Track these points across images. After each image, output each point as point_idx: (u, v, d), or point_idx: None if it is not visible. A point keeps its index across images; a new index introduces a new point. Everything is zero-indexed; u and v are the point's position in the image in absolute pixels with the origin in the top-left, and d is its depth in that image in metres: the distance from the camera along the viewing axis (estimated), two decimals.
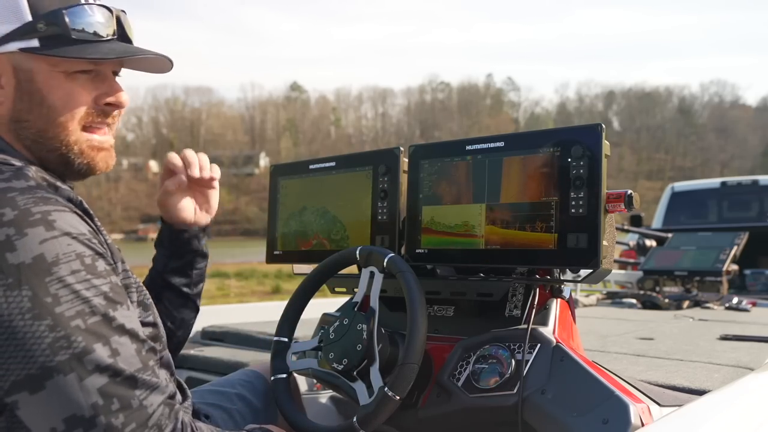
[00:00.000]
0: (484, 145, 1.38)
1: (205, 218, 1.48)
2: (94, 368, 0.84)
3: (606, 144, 1.24)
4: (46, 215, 0.88)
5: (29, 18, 0.99)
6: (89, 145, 1.06)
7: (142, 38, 1.11)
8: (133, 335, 0.90)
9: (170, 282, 1.41)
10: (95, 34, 1.02)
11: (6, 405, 0.85)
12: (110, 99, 1.07)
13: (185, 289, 1.43)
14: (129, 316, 0.92)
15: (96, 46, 1.03)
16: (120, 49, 1.05)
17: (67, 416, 0.83)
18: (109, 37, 1.04)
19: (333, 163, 1.69)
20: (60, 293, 0.85)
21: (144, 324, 1.03)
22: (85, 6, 1.02)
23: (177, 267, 1.42)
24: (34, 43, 0.99)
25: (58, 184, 0.98)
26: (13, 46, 0.99)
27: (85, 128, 1.05)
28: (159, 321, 1.12)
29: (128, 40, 1.09)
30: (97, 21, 1.03)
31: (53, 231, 0.87)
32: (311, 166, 1.73)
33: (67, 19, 1.00)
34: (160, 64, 1.14)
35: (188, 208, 1.43)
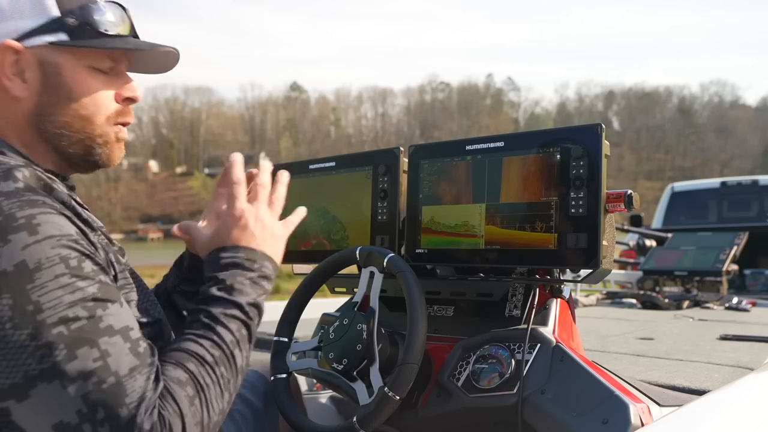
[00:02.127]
0: (484, 145, 1.39)
1: None
2: (77, 375, 0.82)
3: (606, 144, 1.24)
4: (30, 219, 0.86)
5: (57, 13, 1.02)
6: (116, 138, 1.09)
7: (142, 38, 1.12)
8: (124, 334, 0.87)
9: (174, 302, 1.35)
10: (116, 29, 1.06)
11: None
12: (129, 94, 1.09)
13: (185, 313, 1.33)
14: (121, 314, 0.89)
15: (123, 41, 1.07)
16: (144, 44, 1.09)
17: (54, 423, 0.82)
18: (127, 34, 1.08)
19: (333, 163, 1.69)
20: (41, 300, 0.83)
21: (145, 324, 1.02)
22: (105, 3, 1.06)
23: (187, 291, 1.34)
24: (63, 36, 1.02)
25: (54, 185, 0.97)
26: (42, 39, 1.01)
27: (113, 123, 1.08)
28: (163, 317, 1.11)
29: (137, 37, 1.12)
30: (117, 18, 1.07)
31: (36, 235, 0.85)
32: (311, 166, 1.73)
33: (95, 15, 1.04)
34: (166, 61, 1.16)
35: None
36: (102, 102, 1.06)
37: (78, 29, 1.02)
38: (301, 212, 1.27)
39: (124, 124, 1.10)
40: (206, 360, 0.93)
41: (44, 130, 1.04)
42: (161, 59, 1.14)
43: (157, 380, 0.87)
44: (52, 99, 1.03)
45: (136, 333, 0.89)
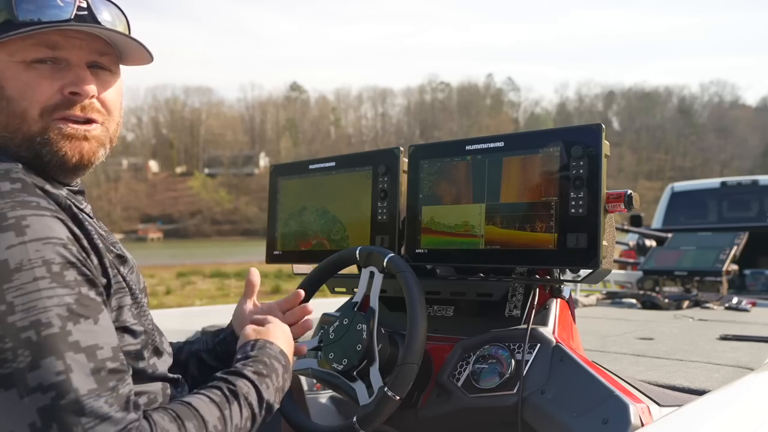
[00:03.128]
0: (484, 145, 1.38)
1: None
2: (36, 386, 0.78)
3: (606, 144, 1.24)
4: (20, 220, 0.84)
5: None
6: (57, 134, 0.99)
7: (142, 38, 1.09)
8: (90, 353, 0.82)
9: (186, 361, 1.33)
10: (49, 15, 0.98)
11: None
12: (73, 88, 1.00)
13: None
14: (93, 331, 0.84)
15: (43, 28, 0.98)
16: (70, 27, 1.00)
17: None
18: (68, 17, 1.00)
19: (333, 163, 1.69)
20: (16, 302, 0.80)
21: (131, 332, 0.98)
22: None
23: (210, 358, 1.32)
24: None
25: (47, 187, 0.95)
26: None
27: (55, 119, 1.00)
28: (154, 329, 1.08)
29: (91, 21, 1.03)
30: (51, 3, 0.99)
31: (23, 236, 0.83)
32: (311, 166, 1.73)
33: (13, 2, 0.98)
34: (139, 54, 1.10)
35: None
36: (36, 96, 0.98)
37: (2, 24, 0.97)
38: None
39: (76, 120, 1.01)
40: (207, 427, 0.91)
41: None
42: (133, 49, 1.07)
43: (126, 409, 0.83)
44: None
45: (105, 353, 0.85)
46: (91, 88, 1.01)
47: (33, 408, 0.78)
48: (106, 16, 1.04)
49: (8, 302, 0.80)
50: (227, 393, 0.96)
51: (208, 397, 0.94)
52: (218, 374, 1.01)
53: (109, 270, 0.96)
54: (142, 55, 1.10)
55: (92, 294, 0.88)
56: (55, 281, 0.83)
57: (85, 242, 0.93)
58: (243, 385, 0.98)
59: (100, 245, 0.96)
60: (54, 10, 0.99)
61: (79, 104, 1.01)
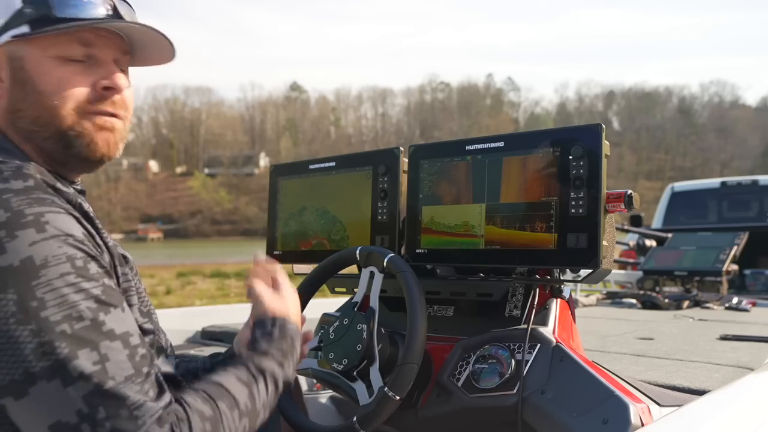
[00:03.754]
0: (484, 145, 1.38)
1: None
2: (78, 375, 0.81)
3: (606, 144, 1.24)
4: (38, 217, 0.86)
5: (19, 5, 1.00)
6: (91, 126, 1.03)
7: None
8: (124, 340, 0.86)
9: (195, 373, 1.31)
10: (86, 12, 1.01)
11: None
12: (106, 82, 1.03)
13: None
14: (123, 319, 0.88)
15: (89, 23, 1.01)
16: (111, 24, 1.03)
17: (52, 423, 0.81)
18: (103, 16, 1.02)
19: (333, 163, 1.69)
20: (46, 297, 0.82)
21: (142, 330, 1.00)
22: None
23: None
24: (25, 29, 0.99)
25: (58, 185, 0.97)
26: (7, 35, 0.99)
27: (87, 113, 1.03)
28: (159, 329, 1.10)
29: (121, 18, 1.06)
30: (87, 1, 1.01)
31: (44, 233, 0.85)
32: (311, 166, 1.73)
33: (54, 1, 1.00)
34: (161, 52, 1.12)
35: None
36: (70, 92, 1.00)
37: (39, 19, 0.99)
38: None
39: (106, 114, 1.04)
40: (239, 406, 0.93)
41: (20, 128, 1.02)
42: (156, 47, 1.10)
43: (161, 392, 0.87)
44: (20, 94, 1.01)
45: (135, 339, 0.88)
46: (124, 83, 1.05)
47: (78, 396, 0.81)
48: (127, 16, 1.07)
49: (39, 298, 0.82)
50: (254, 372, 0.99)
51: (236, 376, 0.97)
52: (243, 354, 1.04)
53: (118, 269, 0.99)
54: (156, 55, 1.13)
55: (113, 284, 0.91)
56: (81, 275, 0.86)
57: (98, 239, 0.95)
58: (268, 365, 1.01)
59: (110, 243, 0.99)
60: (91, 8, 1.01)
61: (110, 99, 1.04)
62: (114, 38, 1.05)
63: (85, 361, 0.82)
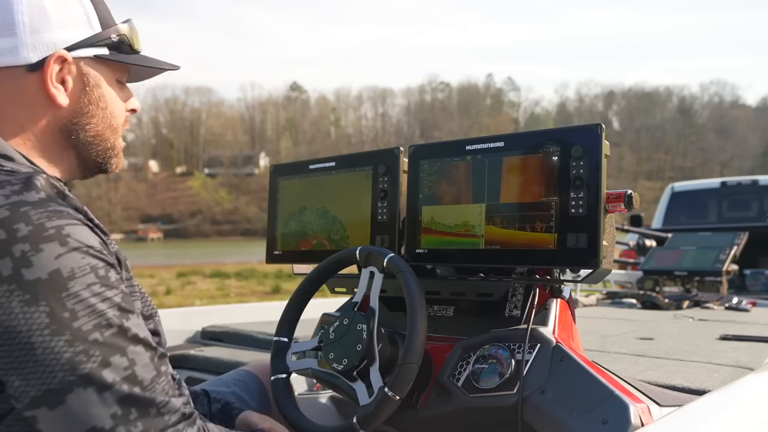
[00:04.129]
0: (484, 145, 1.38)
1: None
2: (112, 380, 0.86)
3: (606, 144, 1.24)
4: (59, 230, 0.89)
5: (99, 28, 1.08)
6: (120, 146, 1.16)
7: (143, 38, 1.15)
8: (146, 343, 0.92)
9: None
10: (138, 45, 1.15)
11: (9, 412, 0.86)
12: (134, 106, 1.17)
13: None
14: (140, 324, 0.94)
15: (146, 58, 1.15)
16: (163, 61, 1.18)
17: (87, 429, 0.84)
18: (139, 49, 1.15)
19: (333, 163, 1.69)
20: (77, 308, 0.86)
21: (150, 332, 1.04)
22: (130, 21, 1.15)
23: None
24: (105, 51, 1.09)
25: (66, 192, 0.99)
26: (87, 52, 1.07)
27: (119, 134, 1.16)
28: (160, 329, 1.12)
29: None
30: (137, 35, 1.14)
31: (67, 246, 0.89)
32: (311, 166, 1.73)
33: (131, 32, 1.12)
34: (156, 73, 1.23)
35: None
36: (121, 113, 1.14)
37: (117, 45, 1.10)
38: None
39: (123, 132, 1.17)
40: None
41: (76, 138, 1.09)
42: (156, 72, 1.21)
43: (180, 387, 0.95)
44: (91, 109, 1.09)
45: (152, 341, 0.94)
46: (139, 106, 1.19)
47: (113, 399, 0.86)
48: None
49: (70, 309, 0.86)
50: None
51: None
52: None
53: (123, 273, 1.01)
54: (150, 75, 1.25)
55: (127, 290, 0.96)
56: (104, 285, 0.90)
57: (110, 247, 0.99)
58: None
59: (115, 248, 1.02)
60: (138, 40, 1.16)
61: (128, 119, 1.18)
62: None
63: (117, 366, 0.87)
